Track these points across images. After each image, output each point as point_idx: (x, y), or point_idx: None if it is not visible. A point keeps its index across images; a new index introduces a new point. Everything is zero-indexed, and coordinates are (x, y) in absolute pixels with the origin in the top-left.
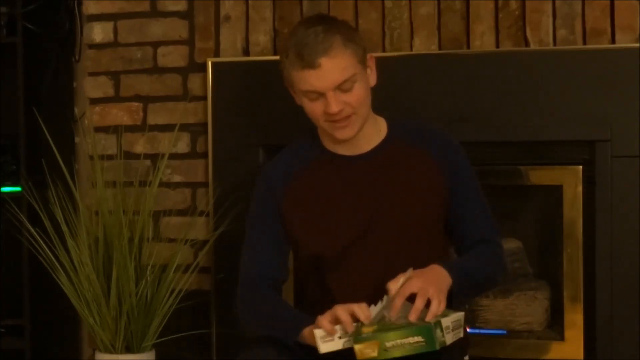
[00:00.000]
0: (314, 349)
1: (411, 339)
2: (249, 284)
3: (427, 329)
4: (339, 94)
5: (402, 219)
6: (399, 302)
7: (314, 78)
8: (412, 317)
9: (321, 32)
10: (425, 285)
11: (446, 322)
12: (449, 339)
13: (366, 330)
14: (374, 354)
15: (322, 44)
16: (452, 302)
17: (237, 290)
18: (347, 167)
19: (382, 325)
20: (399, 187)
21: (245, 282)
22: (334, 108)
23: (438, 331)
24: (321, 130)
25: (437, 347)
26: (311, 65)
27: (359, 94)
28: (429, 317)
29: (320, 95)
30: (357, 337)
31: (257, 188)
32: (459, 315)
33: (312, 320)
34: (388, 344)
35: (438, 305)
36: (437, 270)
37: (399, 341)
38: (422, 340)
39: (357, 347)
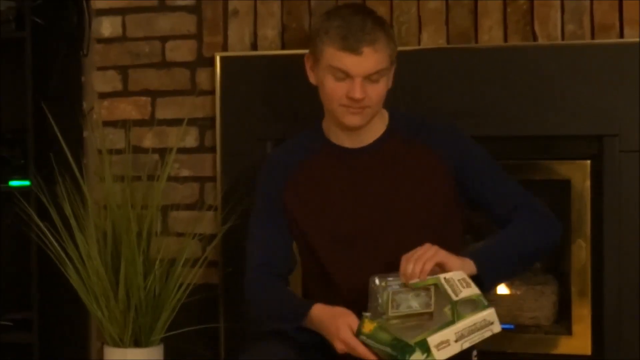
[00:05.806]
0: (317, 334)
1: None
2: (256, 276)
3: (403, 350)
4: (366, 83)
5: (404, 212)
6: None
7: (351, 61)
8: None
9: (370, 23)
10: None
11: (439, 337)
12: (442, 354)
13: (367, 327)
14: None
15: (369, 34)
16: (486, 285)
17: (244, 281)
18: (349, 160)
19: (382, 322)
20: (400, 180)
21: (252, 274)
22: (358, 94)
23: (416, 355)
24: (327, 121)
25: None
26: (354, 50)
27: (381, 89)
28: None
29: (348, 77)
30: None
31: (260, 179)
32: (475, 319)
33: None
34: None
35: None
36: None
37: (378, 345)
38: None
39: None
